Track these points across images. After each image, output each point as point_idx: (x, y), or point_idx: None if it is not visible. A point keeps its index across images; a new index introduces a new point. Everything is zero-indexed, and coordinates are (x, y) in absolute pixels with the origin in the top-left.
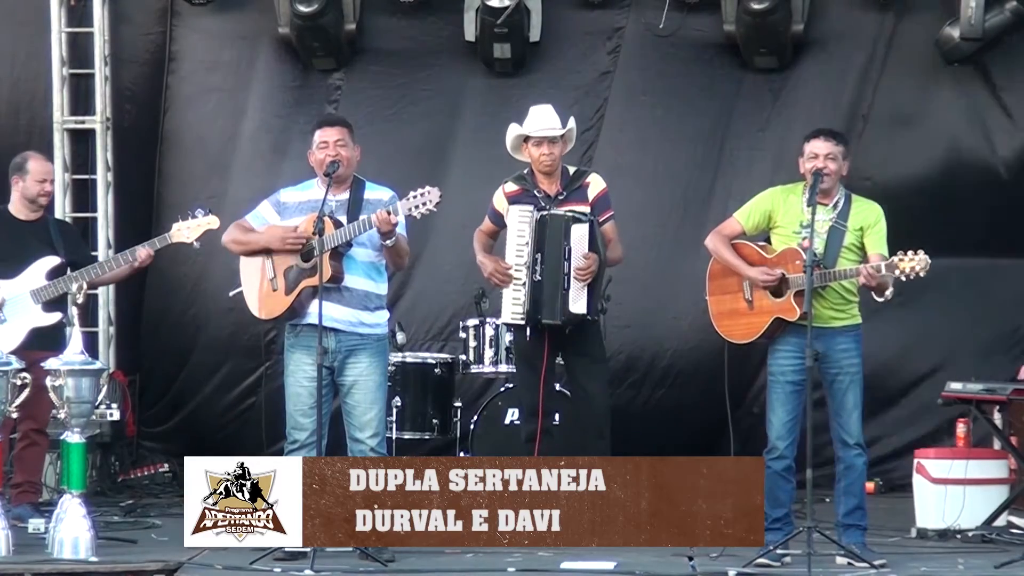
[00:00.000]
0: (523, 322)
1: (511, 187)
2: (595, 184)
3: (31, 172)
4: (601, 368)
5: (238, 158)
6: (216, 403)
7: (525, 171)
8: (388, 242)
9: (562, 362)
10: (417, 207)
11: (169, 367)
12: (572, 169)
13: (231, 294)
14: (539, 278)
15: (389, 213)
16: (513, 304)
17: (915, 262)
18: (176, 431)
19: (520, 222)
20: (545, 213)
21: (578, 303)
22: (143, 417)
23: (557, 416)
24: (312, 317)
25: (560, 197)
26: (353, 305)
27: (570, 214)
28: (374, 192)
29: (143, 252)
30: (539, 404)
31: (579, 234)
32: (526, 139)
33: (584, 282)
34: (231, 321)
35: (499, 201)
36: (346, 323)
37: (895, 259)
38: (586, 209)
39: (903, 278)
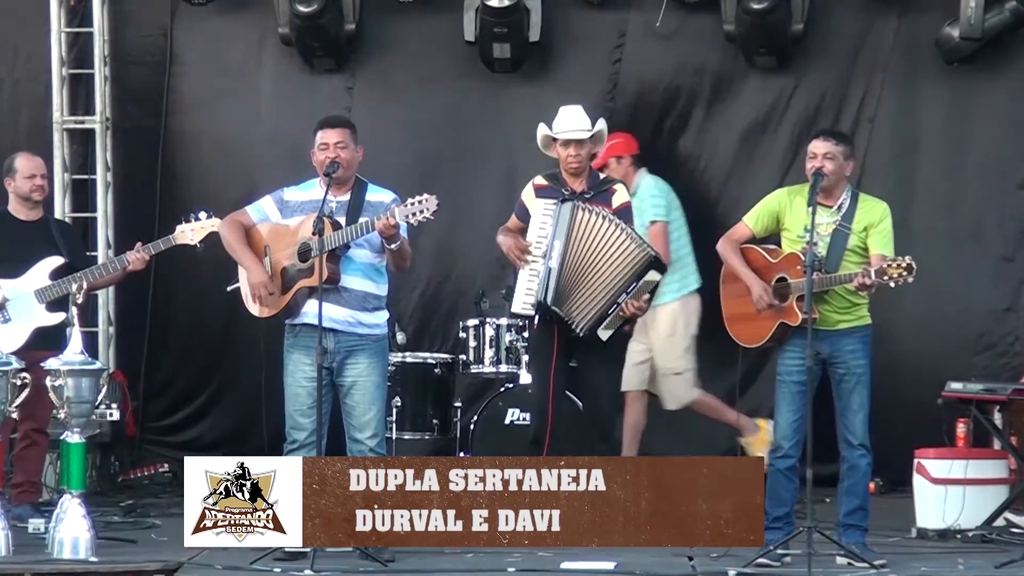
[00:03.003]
0: (533, 312)
1: (540, 181)
2: (621, 194)
3: (19, 170)
4: (614, 369)
5: (250, 163)
6: (218, 405)
7: (557, 170)
8: (393, 246)
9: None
10: (414, 214)
11: (172, 369)
12: (602, 175)
13: (228, 289)
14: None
15: (387, 218)
16: (527, 295)
17: (902, 268)
18: (178, 432)
19: (544, 214)
20: (629, 232)
21: (606, 332)
22: (145, 423)
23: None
24: (310, 317)
25: (587, 196)
26: (352, 306)
27: (655, 254)
28: (376, 194)
29: (134, 256)
30: (548, 403)
31: (652, 279)
32: (554, 139)
33: (623, 319)
34: (234, 323)
35: (528, 196)
36: (345, 323)
37: (884, 264)
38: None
39: (891, 284)
